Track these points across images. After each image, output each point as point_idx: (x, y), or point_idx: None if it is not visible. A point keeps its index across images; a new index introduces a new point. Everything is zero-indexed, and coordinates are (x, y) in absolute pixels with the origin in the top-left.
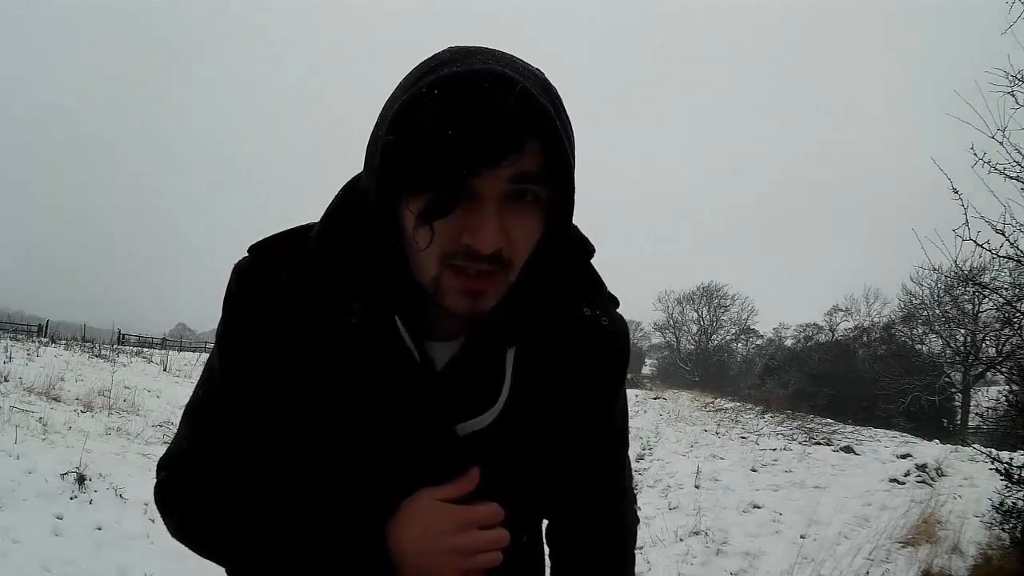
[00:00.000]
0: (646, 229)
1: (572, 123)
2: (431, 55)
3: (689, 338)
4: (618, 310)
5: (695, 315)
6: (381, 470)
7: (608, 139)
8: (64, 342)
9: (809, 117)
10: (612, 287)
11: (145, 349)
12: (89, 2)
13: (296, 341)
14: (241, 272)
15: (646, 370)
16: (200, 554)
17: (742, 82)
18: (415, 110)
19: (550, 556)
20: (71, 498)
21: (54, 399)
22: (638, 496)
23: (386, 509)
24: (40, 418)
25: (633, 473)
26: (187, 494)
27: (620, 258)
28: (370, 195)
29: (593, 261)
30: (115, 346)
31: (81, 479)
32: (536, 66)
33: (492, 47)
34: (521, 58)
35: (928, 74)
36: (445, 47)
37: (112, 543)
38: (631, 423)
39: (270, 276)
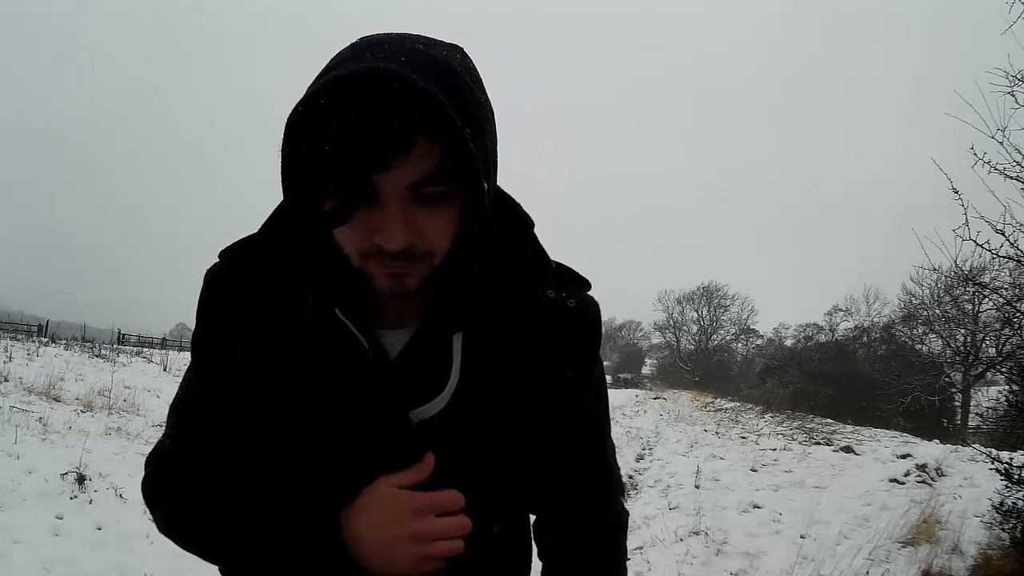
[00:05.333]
0: (646, 229)
1: (488, 102)
2: (341, 49)
3: (689, 338)
4: (590, 292)
5: (695, 315)
6: (340, 459)
7: (608, 138)
8: (64, 342)
9: (809, 116)
10: (613, 286)
11: (145, 349)
12: (88, 7)
13: (258, 338)
14: (210, 276)
15: (646, 370)
16: (184, 548)
17: (742, 81)
18: (306, 119)
19: (538, 552)
20: (71, 498)
21: (54, 399)
22: (639, 496)
23: (345, 497)
24: (40, 418)
25: (620, 465)
26: (169, 489)
27: (620, 258)
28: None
29: (597, 259)
30: (115, 346)
31: (81, 479)
32: (450, 44)
33: (406, 32)
34: (434, 39)
35: (928, 74)
36: (360, 36)
37: (112, 543)
38: (631, 423)
39: (235, 278)
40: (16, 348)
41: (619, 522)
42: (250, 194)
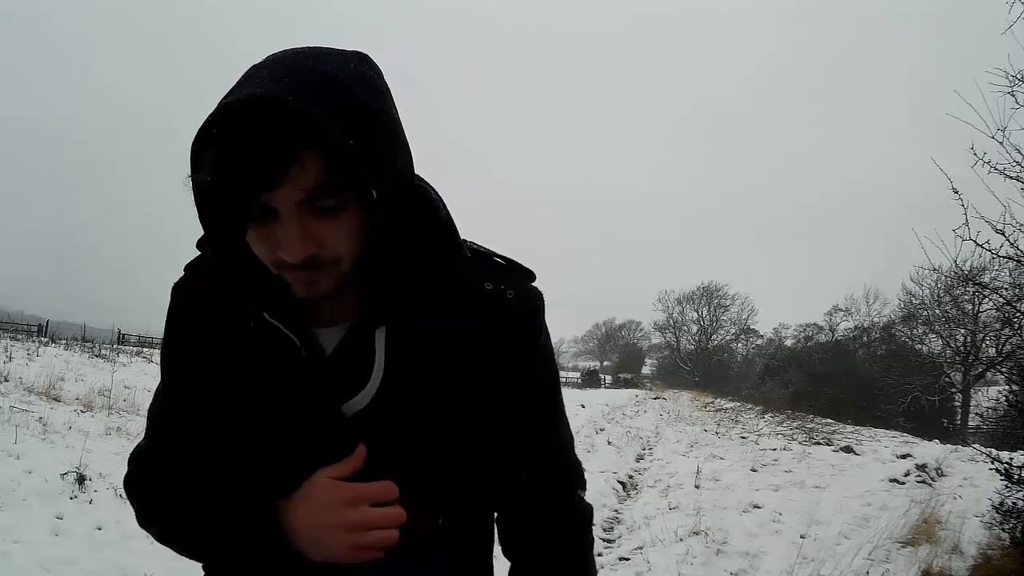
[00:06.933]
0: (647, 228)
1: (386, 107)
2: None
3: (689, 338)
4: (534, 283)
5: (695, 315)
6: (280, 453)
7: (607, 137)
8: (64, 342)
9: (809, 116)
10: (613, 286)
11: (145, 349)
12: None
13: (211, 345)
14: (175, 289)
15: (646, 370)
16: (159, 541)
17: (742, 82)
18: (203, 147)
19: (503, 550)
20: (71, 498)
21: (54, 399)
22: (639, 496)
23: (285, 489)
24: (40, 418)
25: (623, 463)
26: (143, 485)
27: (621, 258)
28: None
29: (598, 259)
30: (115, 346)
31: (81, 479)
32: (350, 53)
33: (307, 47)
34: (332, 51)
35: (928, 74)
36: (270, 53)
37: (112, 543)
38: (631, 423)
39: (194, 290)
40: (16, 348)
41: (581, 517)
42: None
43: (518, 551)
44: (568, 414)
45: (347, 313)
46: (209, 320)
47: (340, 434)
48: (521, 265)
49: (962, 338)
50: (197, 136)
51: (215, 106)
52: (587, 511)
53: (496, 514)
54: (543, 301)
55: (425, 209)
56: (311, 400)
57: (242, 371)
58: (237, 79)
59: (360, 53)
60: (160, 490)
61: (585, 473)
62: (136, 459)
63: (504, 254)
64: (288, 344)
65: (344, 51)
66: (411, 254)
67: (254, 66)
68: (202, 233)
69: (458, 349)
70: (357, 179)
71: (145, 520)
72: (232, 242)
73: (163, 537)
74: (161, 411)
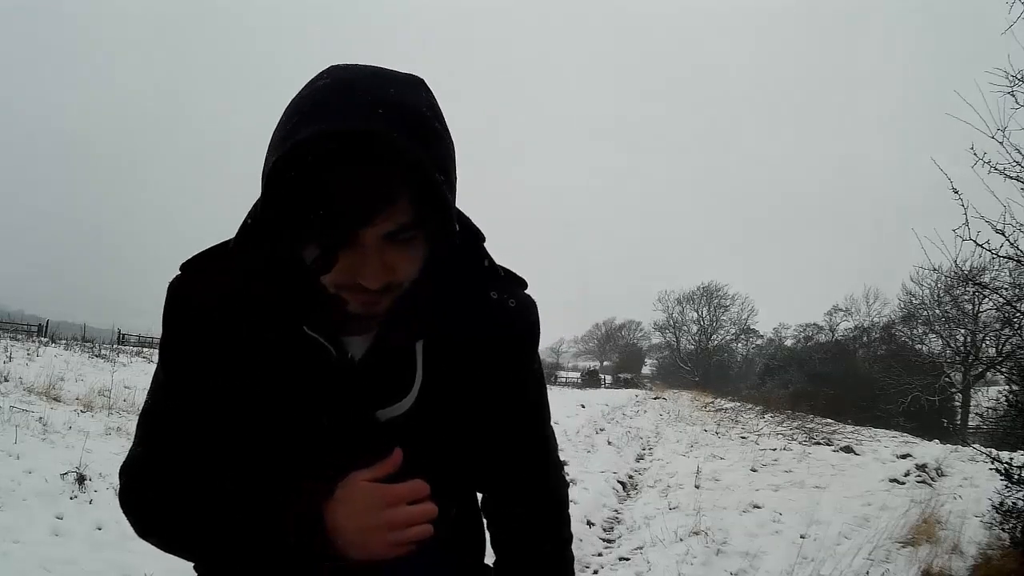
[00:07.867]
0: (647, 228)
1: (448, 134)
2: (308, 84)
3: (689, 338)
4: (527, 291)
5: (695, 315)
6: (316, 457)
7: (607, 137)
8: (64, 342)
9: (809, 117)
10: (612, 287)
11: (145, 349)
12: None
13: (229, 347)
14: (173, 289)
15: (646, 370)
16: (165, 551)
17: (742, 82)
18: (287, 173)
19: (488, 525)
20: (71, 498)
21: (54, 399)
22: (639, 496)
23: (323, 492)
24: (40, 418)
25: (624, 458)
26: (143, 495)
27: (621, 258)
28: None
29: (598, 259)
30: (115, 346)
31: (81, 479)
32: (412, 80)
33: (368, 68)
34: (397, 76)
35: (928, 74)
36: (327, 68)
37: (112, 543)
38: (631, 423)
39: (197, 291)
40: (16, 348)
41: (560, 494)
42: (251, 194)
43: (506, 524)
44: (568, 414)
45: (372, 323)
46: (225, 322)
47: (376, 439)
48: (515, 274)
49: (962, 338)
50: (284, 158)
51: (294, 123)
52: (564, 487)
53: (489, 509)
54: (536, 308)
55: (465, 230)
56: (349, 406)
57: (269, 375)
58: (305, 95)
59: (417, 77)
60: (166, 499)
61: (584, 472)
62: (129, 470)
63: (496, 261)
64: (322, 352)
65: (407, 76)
66: (453, 273)
67: (323, 88)
68: (223, 237)
69: (475, 356)
70: (446, 214)
71: (145, 530)
72: (315, 273)
73: (170, 545)
74: (162, 416)
